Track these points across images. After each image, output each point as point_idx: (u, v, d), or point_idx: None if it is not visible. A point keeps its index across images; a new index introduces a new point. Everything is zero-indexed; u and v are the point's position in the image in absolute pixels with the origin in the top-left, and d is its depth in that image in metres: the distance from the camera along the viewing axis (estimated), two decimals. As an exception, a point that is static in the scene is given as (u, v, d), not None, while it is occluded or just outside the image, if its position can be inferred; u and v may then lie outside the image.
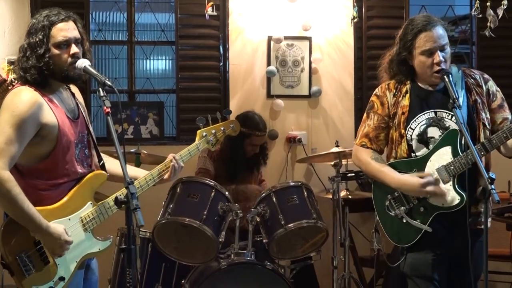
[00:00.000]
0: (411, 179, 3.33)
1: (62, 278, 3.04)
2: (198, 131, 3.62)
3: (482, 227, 3.36)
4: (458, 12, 6.36)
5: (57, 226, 3.01)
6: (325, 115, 5.86)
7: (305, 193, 4.36)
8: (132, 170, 3.35)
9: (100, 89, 2.94)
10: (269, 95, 5.75)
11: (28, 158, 2.98)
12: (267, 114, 5.70)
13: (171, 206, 4.18)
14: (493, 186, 2.97)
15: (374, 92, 3.55)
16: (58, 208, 3.05)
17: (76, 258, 3.08)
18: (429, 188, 3.29)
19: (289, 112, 5.80)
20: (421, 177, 3.32)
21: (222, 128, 3.70)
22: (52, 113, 3.00)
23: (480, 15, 4.89)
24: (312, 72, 5.79)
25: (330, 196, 4.99)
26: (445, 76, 3.28)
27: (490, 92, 3.43)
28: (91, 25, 5.85)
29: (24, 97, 2.95)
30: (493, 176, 2.99)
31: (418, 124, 3.38)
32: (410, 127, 3.39)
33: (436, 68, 3.32)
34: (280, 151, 5.78)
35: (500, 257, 5.20)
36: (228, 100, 5.73)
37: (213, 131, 3.65)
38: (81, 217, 3.10)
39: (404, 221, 3.40)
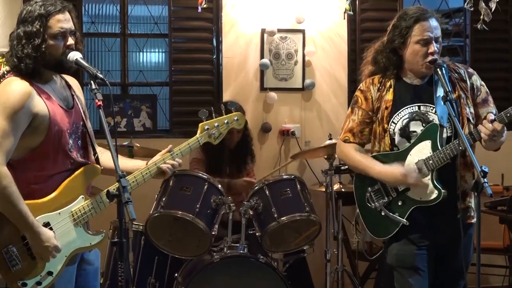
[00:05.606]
0: (393, 169, 3.33)
1: (50, 273, 2.99)
2: (200, 124, 3.40)
3: (472, 221, 3.39)
4: (452, 5, 6.34)
5: (47, 230, 2.95)
6: (319, 108, 5.84)
7: (298, 186, 4.37)
8: (130, 163, 3.29)
9: (92, 82, 2.90)
10: (263, 88, 5.73)
11: (18, 150, 2.92)
12: (261, 107, 5.70)
13: (163, 199, 4.18)
14: (485, 180, 2.95)
15: (359, 87, 3.54)
16: (47, 202, 2.99)
17: (65, 253, 3.02)
18: (410, 179, 3.29)
19: (283, 105, 5.79)
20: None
21: (225, 121, 3.44)
22: (43, 103, 2.95)
23: (473, 8, 4.87)
24: (305, 65, 5.77)
25: (323, 189, 5.00)
26: (438, 69, 3.28)
27: (475, 87, 3.43)
28: (84, 17, 5.82)
29: (15, 87, 2.91)
30: (486, 169, 2.98)
31: (401, 118, 3.38)
32: (392, 122, 3.39)
33: (430, 58, 3.31)
34: (274, 144, 5.77)
35: (493, 250, 5.22)
36: (222, 93, 5.71)
37: (216, 124, 3.40)
38: (71, 212, 3.04)
39: (383, 214, 3.42)
